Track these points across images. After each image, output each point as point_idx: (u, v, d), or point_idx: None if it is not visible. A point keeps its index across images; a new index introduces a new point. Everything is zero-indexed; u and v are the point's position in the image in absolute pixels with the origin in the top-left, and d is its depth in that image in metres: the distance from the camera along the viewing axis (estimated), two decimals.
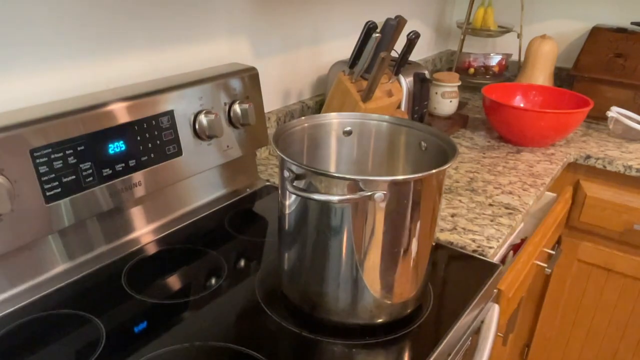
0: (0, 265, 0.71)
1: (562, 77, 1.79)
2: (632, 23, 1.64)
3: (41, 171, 0.70)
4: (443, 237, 0.92)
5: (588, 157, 1.34)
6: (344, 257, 0.65)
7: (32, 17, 0.75)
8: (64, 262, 0.78)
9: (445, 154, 0.69)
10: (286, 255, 0.71)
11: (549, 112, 1.26)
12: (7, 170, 0.66)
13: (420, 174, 0.63)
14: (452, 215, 0.99)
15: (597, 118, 1.53)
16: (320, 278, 0.68)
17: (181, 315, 0.71)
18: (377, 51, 1.16)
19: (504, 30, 1.76)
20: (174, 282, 0.79)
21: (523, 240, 1.09)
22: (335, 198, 0.61)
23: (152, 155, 0.84)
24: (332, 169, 0.81)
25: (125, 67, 0.89)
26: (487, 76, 1.79)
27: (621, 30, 1.59)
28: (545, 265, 1.16)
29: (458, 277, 0.84)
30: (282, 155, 0.64)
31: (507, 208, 1.03)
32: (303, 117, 0.77)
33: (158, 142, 0.84)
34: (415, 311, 0.73)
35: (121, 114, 0.79)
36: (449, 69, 1.93)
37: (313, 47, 1.32)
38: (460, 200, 1.05)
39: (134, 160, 0.81)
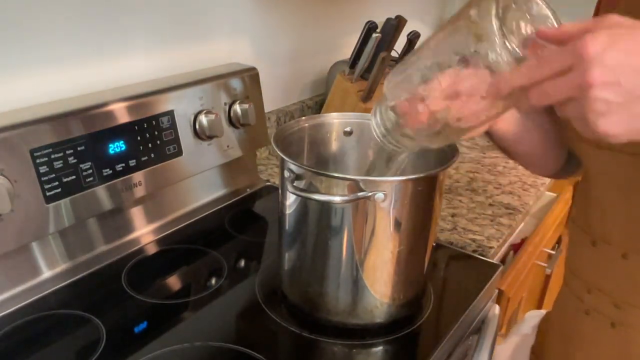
0: (1, 265, 0.70)
1: None
2: None
3: (41, 171, 0.70)
4: (443, 237, 0.92)
5: None
6: (344, 258, 0.65)
7: (31, 17, 0.75)
8: (64, 262, 0.78)
9: (445, 154, 0.69)
10: (286, 255, 0.71)
11: None
12: (7, 170, 0.66)
13: (420, 174, 0.63)
14: (452, 215, 0.99)
15: None
16: (320, 278, 0.68)
17: (181, 315, 0.71)
18: (377, 51, 1.16)
19: None
20: (174, 282, 0.79)
21: (523, 240, 1.09)
22: (335, 198, 0.60)
23: (152, 155, 0.84)
24: (332, 169, 0.81)
25: (126, 67, 0.89)
26: None
27: None
28: (545, 265, 1.16)
29: (458, 277, 0.84)
30: (282, 156, 0.64)
31: (507, 208, 1.03)
32: (303, 117, 0.77)
33: (158, 142, 0.84)
34: (416, 311, 0.73)
35: (121, 114, 0.79)
36: None
37: (313, 47, 1.32)
38: (460, 200, 1.05)
39: (134, 160, 0.81)
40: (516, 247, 1.05)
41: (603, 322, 0.62)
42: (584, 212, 0.64)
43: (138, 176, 0.82)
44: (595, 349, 0.64)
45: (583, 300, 0.65)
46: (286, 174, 0.64)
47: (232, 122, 0.96)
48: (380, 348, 0.68)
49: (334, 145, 0.80)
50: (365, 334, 0.69)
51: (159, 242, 0.88)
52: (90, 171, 0.75)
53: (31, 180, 0.69)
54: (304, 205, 0.65)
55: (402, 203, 0.62)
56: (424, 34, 1.35)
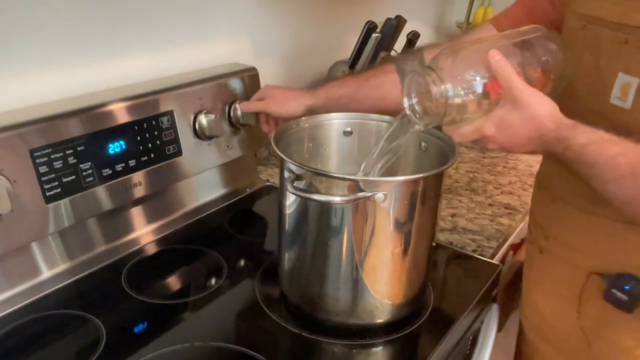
0: (1, 265, 0.71)
1: None
2: None
3: (41, 171, 0.70)
4: (443, 237, 0.92)
5: None
6: (344, 258, 0.65)
7: (32, 17, 0.75)
8: (64, 262, 0.78)
9: (445, 154, 0.69)
10: (286, 255, 0.71)
11: None
12: (7, 170, 0.66)
13: (420, 175, 0.63)
14: (452, 215, 0.99)
15: None
16: (320, 278, 0.68)
17: (181, 315, 0.71)
18: (377, 51, 1.16)
19: None
20: (174, 282, 0.79)
21: (523, 240, 1.09)
22: (335, 198, 0.60)
23: (152, 155, 0.84)
24: (332, 169, 0.81)
25: (126, 67, 0.89)
26: None
27: None
28: None
29: (458, 277, 0.84)
30: (282, 156, 0.64)
31: (507, 208, 1.03)
32: (303, 117, 0.77)
33: (158, 142, 0.84)
34: (416, 311, 0.73)
35: (121, 114, 0.79)
36: None
37: (313, 47, 1.32)
38: (460, 200, 1.05)
39: (134, 160, 0.81)
40: (516, 247, 1.05)
41: (536, 249, 0.82)
42: (541, 163, 0.84)
43: (138, 176, 0.82)
44: (530, 268, 0.85)
45: (531, 231, 0.85)
46: (286, 174, 0.64)
47: (232, 122, 0.96)
48: (380, 348, 0.68)
49: (334, 145, 0.80)
50: (365, 334, 0.69)
51: (158, 242, 0.88)
52: (90, 171, 0.75)
53: (31, 180, 0.69)
54: (304, 205, 0.65)
55: (402, 203, 0.62)
56: (424, 34, 1.35)
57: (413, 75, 0.62)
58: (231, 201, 1.02)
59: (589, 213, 0.70)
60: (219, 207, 0.99)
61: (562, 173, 0.73)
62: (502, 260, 0.94)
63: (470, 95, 0.59)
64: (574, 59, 0.66)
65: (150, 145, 0.83)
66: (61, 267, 0.78)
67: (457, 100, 0.58)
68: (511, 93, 0.58)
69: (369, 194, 0.60)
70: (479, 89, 0.59)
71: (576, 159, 0.58)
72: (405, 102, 0.63)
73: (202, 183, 0.98)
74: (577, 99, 0.60)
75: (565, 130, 0.58)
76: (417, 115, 0.62)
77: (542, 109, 0.58)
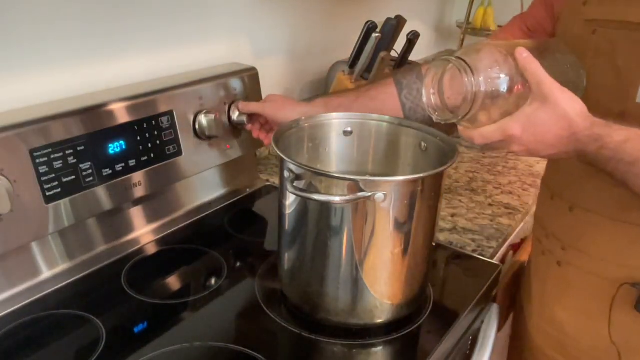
0: (1, 265, 0.70)
1: None
2: None
3: (41, 171, 0.70)
4: (443, 237, 0.92)
5: None
6: (344, 258, 0.65)
7: (32, 17, 0.75)
8: (64, 262, 0.78)
9: (445, 154, 0.69)
10: (286, 255, 0.71)
11: None
12: (7, 170, 0.66)
13: (420, 174, 0.63)
14: (452, 215, 0.99)
15: None
16: (320, 278, 0.68)
17: (181, 315, 0.71)
18: (377, 51, 1.16)
19: None
20: (174, 282, 0.79)
21: (523, 240, 1.09)
22: (335, 198, 0.60)
23: (152, 155, 0.84)
24: (332, 169, 0.81)
25: (125, 67, 0.89)
26: None
27: None
28: None
29: (458, 277, 0.84)
30: (282, 156, 0.64)
31: (507, 208, 1.03)
32: (303, 117, 0.77)
33: (158, 142, 0.84)
34: (416, 311, 0.73)
35: (121, 114, 0.79)
36: None
37: (313, 47, 1.32)
38: (460, 200, 1.05)
39: (134, 160, 0.81)
40: (516, 247, 1.05)
41: (552, 261, 0.79)
42: (548, 169, 0.82)
43: (138, 176, 0.82)
44: (545, 281, 0.82)
45: (541, 242, 0.82)
46: (286, 174, 0.64)
47: (232, 122, 0.96)
48: (380, 348, 0.68)
49: (334, 145, 0.80)
50: (365, 334, 0.69)
51: (158, 242, 0.88)
52: (90, 171, 0.75)
53: (31, 180, 0.69)
54: (304, 205, 0.65)
55: (402, 203, 0.62)
56: (424, 34, 1.35)
57: (439, 64, 0.60)
58: (231, 201, 1.02)
59: (617, 221, 0.69)
60: (218, 207, 0.99)
61: (582, 180, 0.72)
62: (502, 260, 0.94)
63: (496, 92, 0.58)
64: (586, 73, 0.66)
65: (150, 145, 0.83)
66: (61, 267, 0.78)
67: (488, 94, 0.57)
68: (540, 90, 0.56)
69: (369, 194, 0.60)
70: (504, 87, 0.58)
71: (613, 157, 0.57)
72: (424, 96, 0.61)
73: (202, 183, 0.98)
74: (594, 103, 0.58)
75: (599, 128, 0.56)
76: (436, 112, 0.62)
77: (573, 106, 0.56)
